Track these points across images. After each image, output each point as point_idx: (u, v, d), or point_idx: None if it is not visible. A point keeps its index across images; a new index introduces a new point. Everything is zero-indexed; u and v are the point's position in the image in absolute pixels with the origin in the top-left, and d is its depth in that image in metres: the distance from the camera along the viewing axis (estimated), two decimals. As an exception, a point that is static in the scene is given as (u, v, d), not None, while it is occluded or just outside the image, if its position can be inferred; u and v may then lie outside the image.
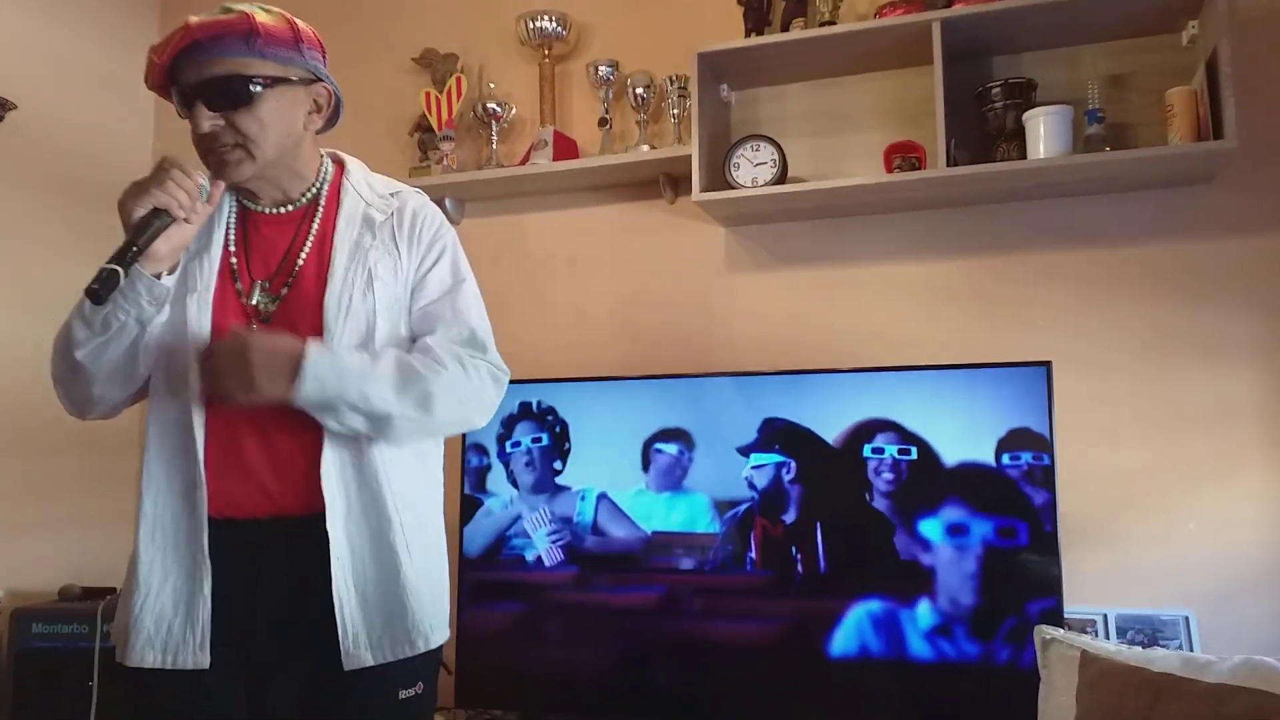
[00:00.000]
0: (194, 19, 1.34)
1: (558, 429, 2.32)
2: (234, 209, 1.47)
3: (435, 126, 2.71)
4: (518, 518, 2.33)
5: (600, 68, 2.59)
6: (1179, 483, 2.15)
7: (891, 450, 2.08)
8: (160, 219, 1.29)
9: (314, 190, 1.49)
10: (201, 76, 1.33)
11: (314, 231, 1.45)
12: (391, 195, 1.53)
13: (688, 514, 2.20)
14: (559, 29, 2.65)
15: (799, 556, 2.11)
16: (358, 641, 1.36)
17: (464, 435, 2.39)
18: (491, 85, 2.74)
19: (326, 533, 1.36)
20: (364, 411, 1.34)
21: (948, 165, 2.14)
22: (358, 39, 2.94)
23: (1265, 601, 2.06)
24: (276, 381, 1.29)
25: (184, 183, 1.30)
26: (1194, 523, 2.13)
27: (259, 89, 1.35)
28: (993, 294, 2.32)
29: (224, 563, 1.36)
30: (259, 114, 1.35)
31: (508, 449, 2.35)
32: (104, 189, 2.94)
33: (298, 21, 1.43)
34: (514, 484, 2.34)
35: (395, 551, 1.40)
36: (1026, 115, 2.16)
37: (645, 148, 2.52)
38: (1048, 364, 2.02)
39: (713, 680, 2.15)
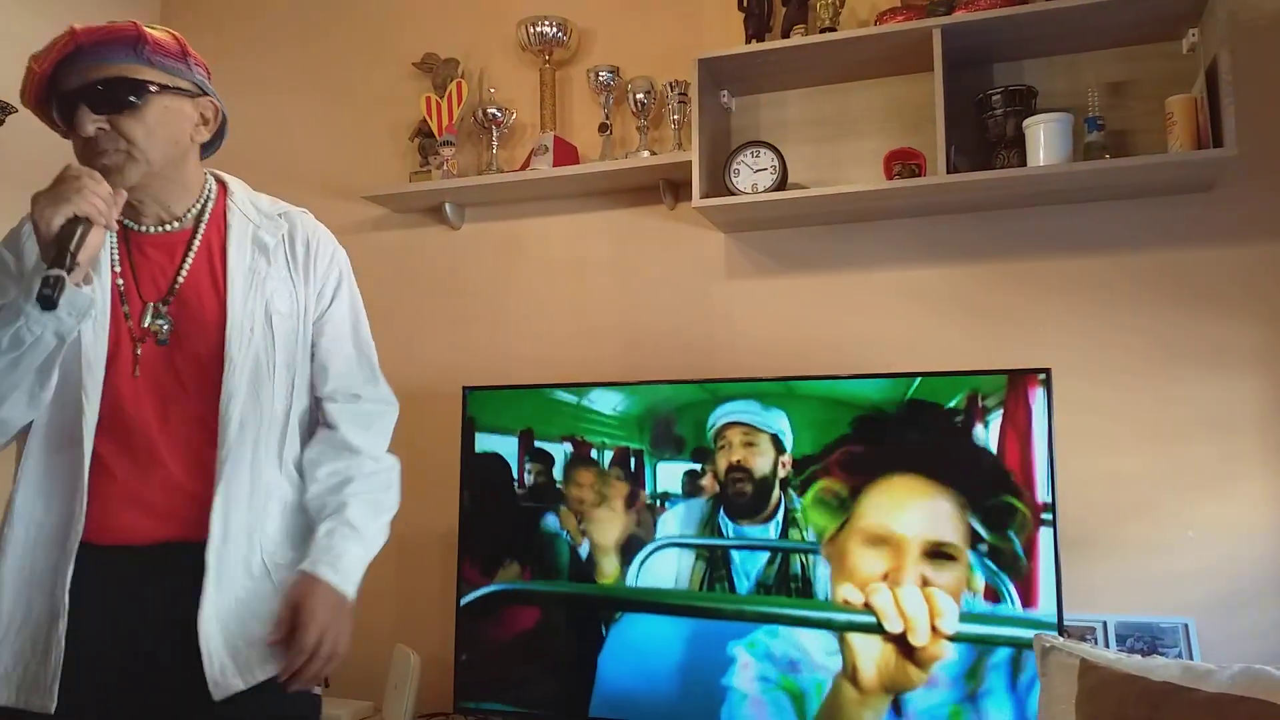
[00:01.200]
0: (78, 25, 1.32)
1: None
2: (114, 230, 1.42)
3: (436, 131, 2.71)
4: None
5: (601, 73, 2.59)
6: (1179, 490, 2.15)
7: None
8: (82, 225, 1.23)
9: (198, 207, 1.46)
10: (85, 80, 1.31)
11: (194, 249, 1.42)
12: (279, 216, 1.51)
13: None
14: (560, 34, 2.65)
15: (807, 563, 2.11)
16: (225, 669, 1.32)
17: (471, 450, 2.39)
18: (492, 90, 2.74)
19: (198, 560, 1.33)
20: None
21: (948, 172, 2.15)
22: (359, 43, 2.94)
23: (1266, 610, 2.06)
24: (345, 616, 1.38)
25: (99, 188, 1.26)
26: (1194, 530, 2.13)
27: (146, 93, 1.33)
28: (993, 301, 2.32)
29: (90, 593, 1.32)
30: (145, 118, 1.33)
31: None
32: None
33: (182, 37, 1.42)
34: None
35: (265, 578, 1.39)
36: (1027, 122, 2.16)
37: (645, 153, 2.53)
38: (1047, 371, 2.02)
39: (715, 684, 2.15)
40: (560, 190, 2.64)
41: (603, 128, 2.60)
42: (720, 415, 2.22)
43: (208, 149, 1.48)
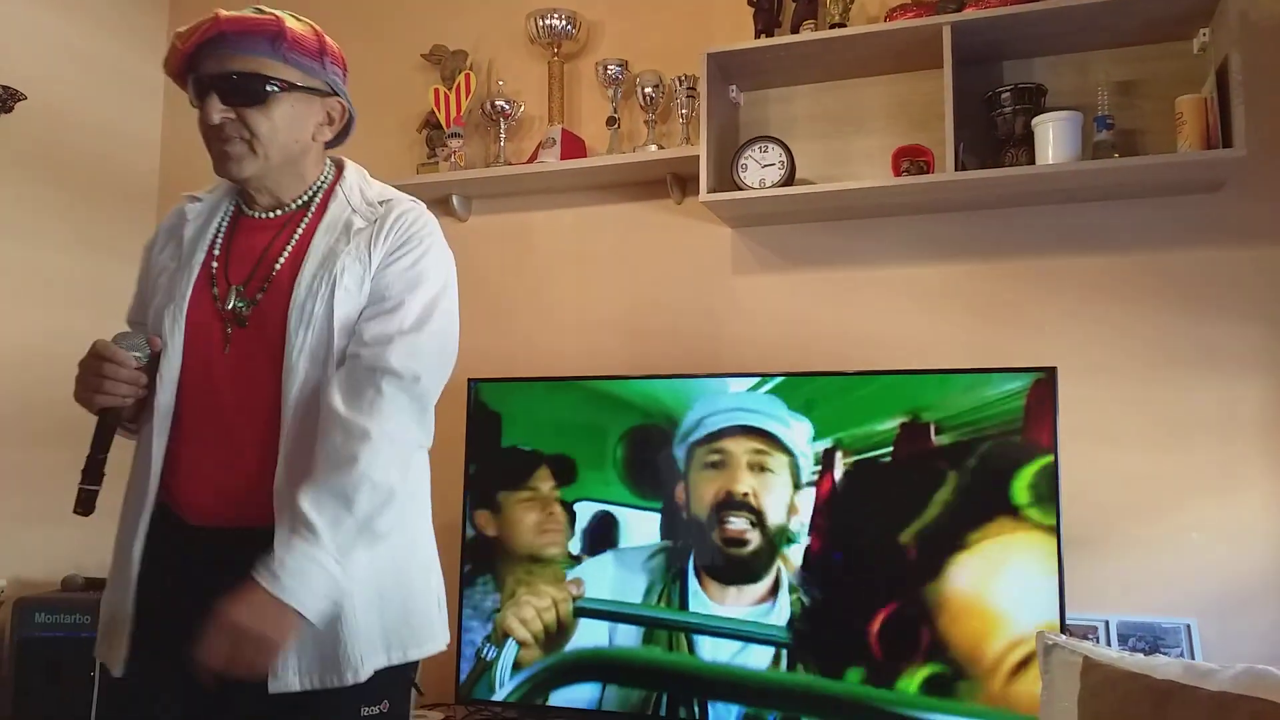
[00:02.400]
0: (224, 13, 1.34)
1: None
2: (229, 213, 1.48)
3: (443, 123, 2.71)
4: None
5: (609, 67, 2.59)
6: (1182, 490, 2.15)
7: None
8: (111, 415, 1.36)
9: (307, 196, 1.47)
10: (221, 69, 1.33)
11: (296, 236, 1.42)
12: (380, 204, 1.46)
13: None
14: (568, 27, 2.65)
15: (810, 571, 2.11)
16: (286, 664, 1.28)
17: (476, 442, 2.39)
18: (500, 83, 2.74)
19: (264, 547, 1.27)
20: (360, 550, 1.29)
21: (956, 169, 2.15)
22: (367, 35, 2.94)
23: (1267, 611, 2.06)
24: (283, 628, 1.21)
25: (120, 374, 1.33)
26: (1197, 531, 2.13)
27: (275, 90, 1.35)
28: (999, 299, 2.32)
29: (161, 568, 1.36)
30: (271, 115, 1.36)
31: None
32: (112, 180, 2.96)
33: (325, 35, 1.44)
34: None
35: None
36: (1036, 120, 2.15)
37: (653, 147, 2.52)
38: (1053, 369, 2.02)
39: (717, 679, 2.16)
40: (567, 183, 2.64)
41: (610, 121, 2.60)
42: (717, 413, 2.21)
43: (331, 144, 1.50)
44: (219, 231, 1.46)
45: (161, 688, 1.34)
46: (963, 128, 2.15)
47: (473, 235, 2.79)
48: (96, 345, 1.34)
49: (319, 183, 1.48)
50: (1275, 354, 2.13)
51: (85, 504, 1.34)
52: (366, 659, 1.32)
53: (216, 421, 1.37)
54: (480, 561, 2.36)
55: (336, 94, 1.45)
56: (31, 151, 2.69)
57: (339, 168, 1.53)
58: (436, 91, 2.72)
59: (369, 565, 1.32)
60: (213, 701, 1.30)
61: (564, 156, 2.56)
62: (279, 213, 1.46)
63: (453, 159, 2.67)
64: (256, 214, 1.46)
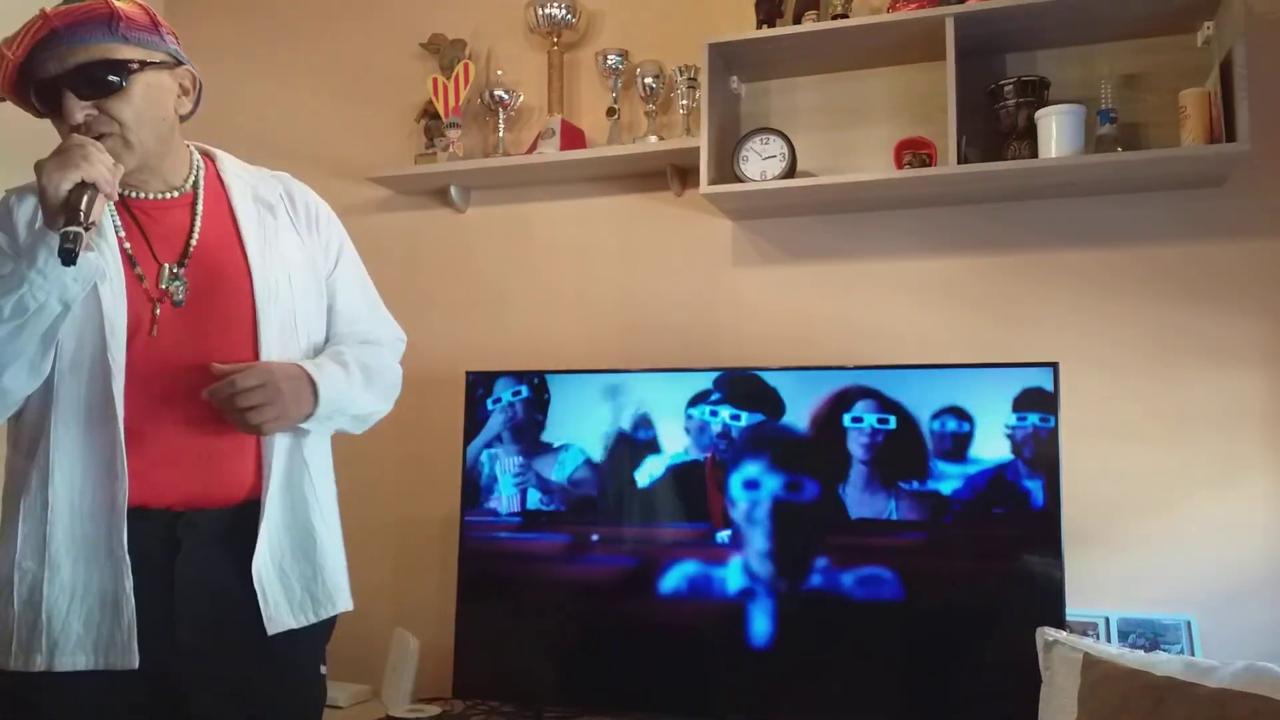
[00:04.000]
0: (48, 9, 1.29)
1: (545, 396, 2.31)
2: (114, 199, 1.41)
3: (442, 113, 2.69)
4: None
5: (609, 57, 2.57)
6: (1183, 486, 2.14)
7: (871, 419, 2.07)
8: (89, 190, 1.22)
9: (194, 174, 1.47)
10: (66, 65, 1.29)
11: (199, 213, 1.44)
12: (271, 177, 1.56)
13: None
14: (568, 16, 2.63)
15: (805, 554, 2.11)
16: (279, 607, 1.41)
17: (473, 435, 2.38)
18: (499, 72, 2.72)
19: (252, 519, 1.39)
20: (352, 415, 1.51)
21: (958, 162, 2.13)
22: (365, 24, 2.92)
23: (1268, 607, 2.06)
24: (302, 407, 1.40)
25: (104, 156, 1.26)
26: (1198, 526, 2.12)
27: (129, 73, 1.32)
28: (1001, 293, 2.31)
29: (144, 555, 1.34)
30: (132, 99, 1.33)
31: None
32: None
33: (148, 5, 1.40)
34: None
35: (313, 527, 1.47)
36: (1039, 114, 2.14)
37: (653, 138, 2.51)
38: (1054, 364, 2.01)
39: (707, 669, 2.15)
40: (567, 174, 2.63)
41: (610, 112, 2.58)
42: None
43: (188, 115, 1.47)
44: (113, 213, 1.40)
45: (158, 676, 1.34)
46: (965, 120, 2.14)
47: (471, 226, 2.77)
48: (74, 136, 1.26)
49: (194, 163, 1.49)
50: (1277, 349, 2.12)
51: (77, 241, 1.17)
52: (341, 592, 1.52)
53: (159, 400, 1.35)
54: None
55: (183, 62, 1.42)
56: (11, 150, 2.66)
57: (202, 152, 1.53)
58: (435, 81, 2.70)
59: (330, 518, 1.52)
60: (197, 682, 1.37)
61: (563, 147, 2.54)
62: (178, 193, 1.45)
63: (451, 149, 2.65)
64: (151, 195, 1.43)
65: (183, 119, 1.46)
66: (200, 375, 1.37)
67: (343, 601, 1.53)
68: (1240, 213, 2.16)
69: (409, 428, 2.54)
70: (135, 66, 1.33)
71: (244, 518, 1.41)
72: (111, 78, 1.30)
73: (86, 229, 1.20)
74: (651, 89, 2.52)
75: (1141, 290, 2.21)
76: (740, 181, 2.32)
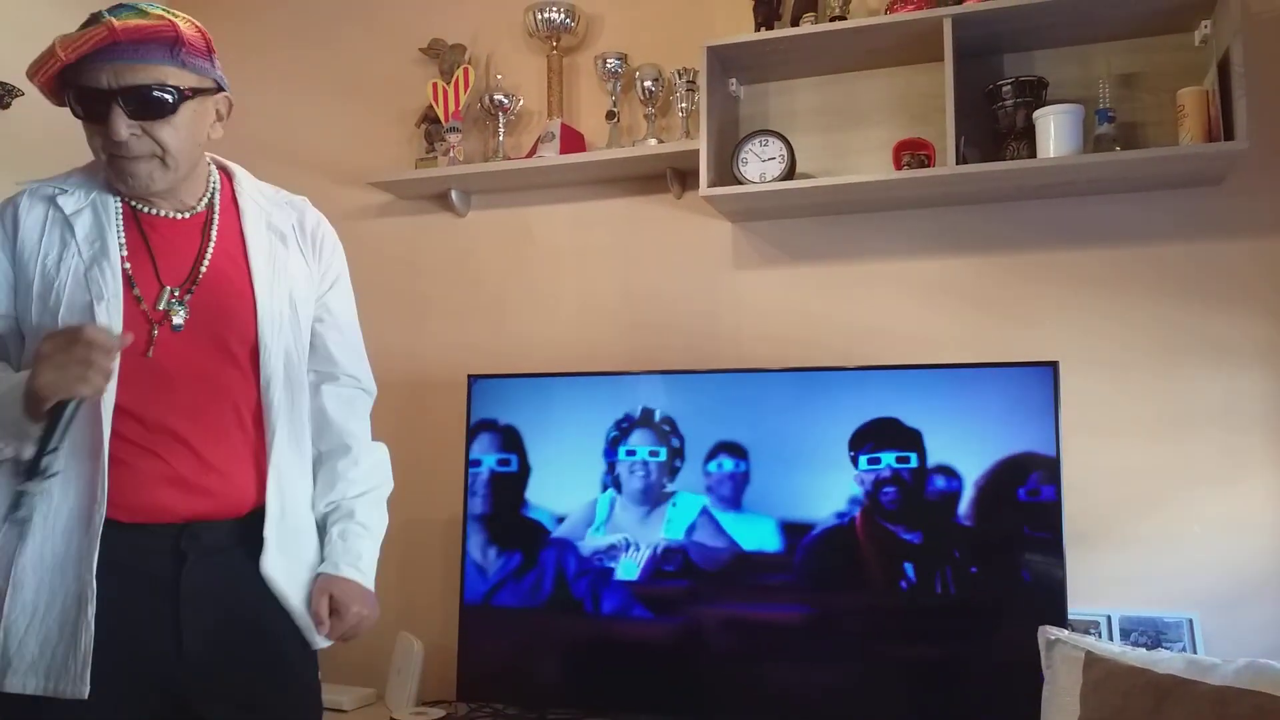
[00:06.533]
0: (116, 21, 1.28)
1: (675, 443, 2.25)
2: (119, 210, 1.41)
3: (442, 118, 2.69)
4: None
5: (608, 60, 2.58)
6: (1184, 485, 2.14)
7: (889, 459, 2.07)
8: (75, 405, 1.24)
9: (209, 194, 1.47)
10: (124, 82, 1.28)
11: (214, 238, 1.44)
12: (286, 203, 1.55)
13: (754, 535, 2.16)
14: (567, 21, 2.64)
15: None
16: (308, 628, 1.45)
17: (475, 438, 2.39)
18: (499, 77, 2.73)
19: (256, 529, 1.41)
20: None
21: (957, 163, 2.13)
22: (365, 28, 2.93)
23: (1270, 605, 2.06)
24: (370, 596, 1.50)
25: (106, 367, 1.24)
26: (1199, 525, 2.12)
27: (182, 100, 1.32)
28: (1000, 293, 2.31)
29: (149, 569, 1.34)
30: (177, 124, 1.33)
31: (622, 455, 2.28)
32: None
33: (206, 31, 1.40)
34: (618, 488, 2.27)
35: (308, 542, 1.50)
36: (1037, 114, 2.14)
37: (653, 141, 2.51)
38: (1054, 364, 2.02)
39: (713, 676, 2.16)
40: (567, 178, 2.63)
41: (610, 115, 2.59)
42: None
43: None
44: (119, 229, 1.39)
45: (130, 709, 1.33)
46: (964, 121, 2.14)
47: (471, 230, 2.78)
48: (87, 330, 1.23)
49: (212, 183, 1.49)
50: (1277, 347, 2.12)
51: (29, 507, 1.25)
52: None
53: (153, 420, 1.35)
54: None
55: (223, 89, 1.43)
56: (28, 147, 2.67)
57: (220, 168, 1.53)
58: (435, 86, 2.71)
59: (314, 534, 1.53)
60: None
61: (563, 151, 2.54)
62: (190, 214, 1.44)
63: (451, 153, 2.66)
64: (163, 213, 1.43)
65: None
66: (202, 394, 1.38)
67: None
68: (1239, 211, 2.16)
69: (411, 432, 2.55)
70: (188, 94, 1.33)
71: (249, 528, 1.41)
72: (164, 102, 1.30)
73: (55, 452, 1.24)
74: (650, 92, 2.53)
75: (1141, 289, 2.21)
76: (740, 184, 2.33)
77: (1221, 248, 2.17)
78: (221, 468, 1.39)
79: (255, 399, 1.42)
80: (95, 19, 1.30)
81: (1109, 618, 2.09)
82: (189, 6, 3.07)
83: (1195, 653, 2.00)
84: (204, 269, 1.41)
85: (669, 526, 2.20)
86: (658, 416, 2.25)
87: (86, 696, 1.27)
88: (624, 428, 2.27)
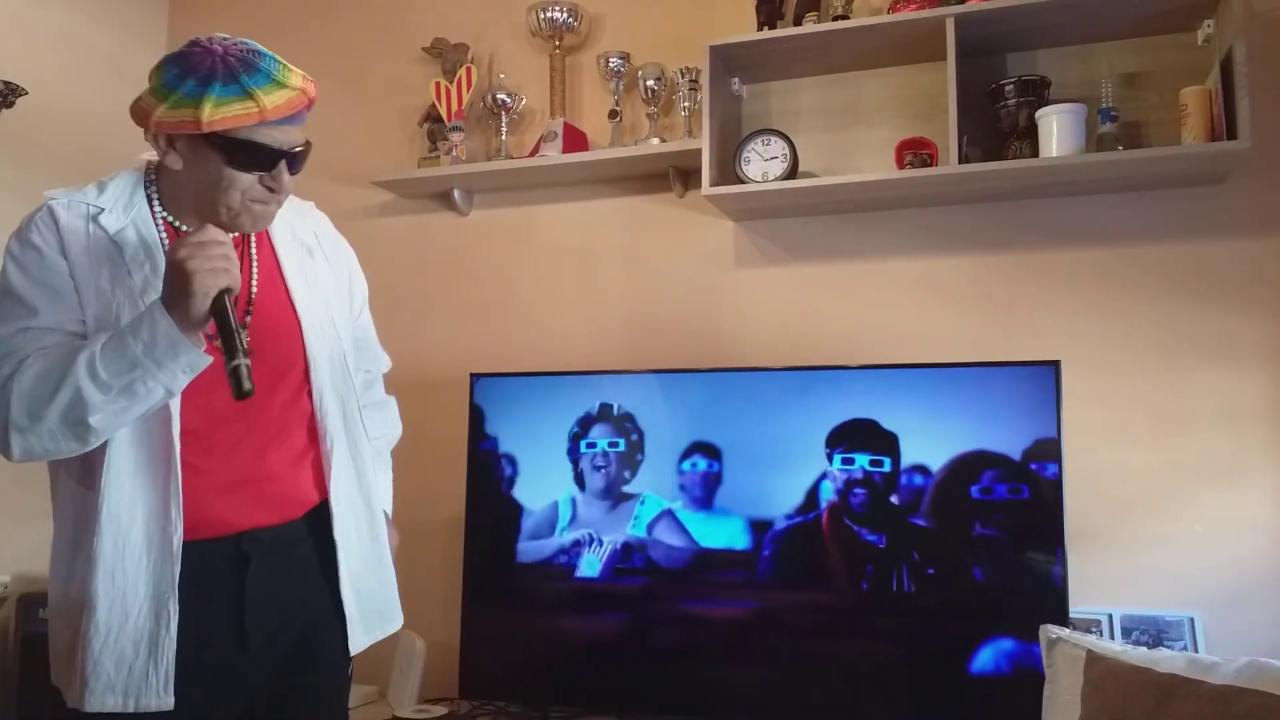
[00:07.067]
0: (311, 86, 1.36)
1: (635, 436, 2.27)
2: (161, 226, 1.40)
3: (445, 117, 2.70)
4: (575, 532, 2.28)
5: (611, 59, 2.58)
6: (1186, 484, 2.14)
7: (893, 457, 2.08)
8: (229, 297, 1.27)
9: None
10: (294, 141, 1.36)
11: (255, 255, 1.47)
12: (299, 211, 1.58)
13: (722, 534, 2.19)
14: (570, 20, 2.64)
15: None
16: (356, 628, 1.49)
17: (478, 437, 2.39)
18: (502, 76, 2.73)
19: (322, 534, 1.46)
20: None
21: (959, 162, 2.14)
22: (368, 27, 2.93)
23: (1271, 604, 2.06)
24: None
25: (236, 259, 1.30)
26: (1200, 524, 2.12)
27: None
28: (1002, 292, 2.31)
29: (213, 579, 1.37)
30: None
31: (582, 448, 2.30)
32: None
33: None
34: (580, 485, 2.29)
35: (379, 542, 1.57)
36: (1039, 113, 2.15)
37: (655, 140, 2.52)
38: (1056, 363, 2.02)
39: (712, 671, 2.16)
40: (569, 177, 2.64)
41: (612, 114, 2.59)
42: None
43: None
44: (165, 248, 1.39)
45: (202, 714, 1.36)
46: (966, 120, 2.14)
47: (474, 229, 2.78)
48: (210, 229, 1.28)
49: None
50: (1278, 346, 2.12)
51: (251, 376, 1.23)
52: (399, 612, 1.61)
53: (220, 441, 1.39)
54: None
55: None
56: (33, 146, 2.68)
57: None
58: (438, 85, 2.71)
59: (384, 536, 1.61)
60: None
61: (566, 150, 2.55)
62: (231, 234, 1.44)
63: (454, 153, 2.67)
64: None
65: None
66: (263, 412, 1.41)
67: (398, 617, 1.62)
68: (1241, 210, 2.16)
69: (414, 430, 2.52)
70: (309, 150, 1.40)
71: (313, 525, 1.47)
72: (304, 161, 1.40)
73: (248, 351, 1.25)
74: (653, 91, 2.53)
75: (1143, 288, 2.21)
76: (742, 183, 2.33)
77: (1223, 247, 2.17)
78: (280, 480, 1.43)
79: (310, 412, 1.47)
80: (276, 79, 1.32)
81: (1110, 616, 2.10)
82: (189, 5, 3.10)
83: (1196, 651, 2.01)
84: (254, 292, 1.44)
85: (676, 526, 2.21)
86: (659, 415, 2.25)
87: (172, 708, 1.31)
88: (628, 430, 2.27)
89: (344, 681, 1.55)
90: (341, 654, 1.49)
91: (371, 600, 1.53)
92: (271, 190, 1.37)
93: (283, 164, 1.36)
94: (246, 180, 1.34)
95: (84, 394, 1.24)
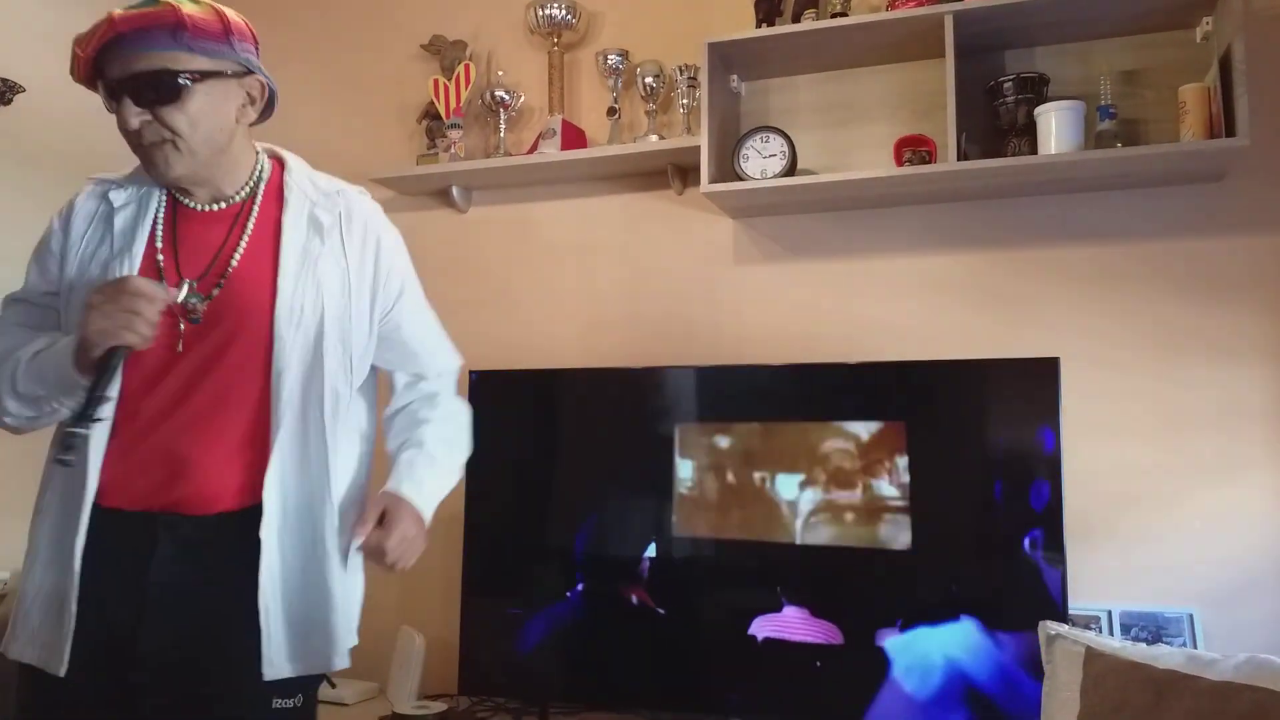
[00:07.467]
0: (118, 12, 1.30)
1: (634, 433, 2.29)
2: (163, 203, 1.43)
3: (443, 114, 2.70)
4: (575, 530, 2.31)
5: (609, 57, 2.58)
6: (1185, 480, 2.15)
7: (890, 454, 2.08)
8: (122, 354, 1.26)
9: (249, 187, 1.46)
10: (127, 71, 1.30)
11: (249, 230, 1.42)
12: (336, 194, 1.51)
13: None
14: (568, 17, 2.64)
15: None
16: (280, 651, 1.35)
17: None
18: (500, 73, 2.73)
19: (249, 534, 1.34)
20: (450, 487, 1.56)
21: (958, 159, 2.14)
22: (366, 25, 2.93)
23: (1269, 600, 2.06)
24: (423, 527, 1.46)
25: (151, 315, 1.25)
26: (1199, 520, 2.13)
27: (187, 84, 1.31)
28: (1001, 289, 2.31)
29: (118, 556, 1.33)
30: (188, 110, 1.32)
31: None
32: (111, 172, 2.94)
33: (227, 12, 1.38)
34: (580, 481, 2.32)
35: (327, 561, 1.40)
36: (1038, 110, 2.15)
37: (654, 138, 2.52)
38: (1055, 360, 2.02)
39: (711, 668, 2.16)
40: (568, 174, 2.64)
41: (611, 111, 2.59)
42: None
43: (255, 123, 1.47)
44: (157, 221, 1.42)
45: (103, 692, 1.32)
46: (965, 117, 2.14)
47: (473, 227, 2.78)
48: (132, 281, 1.26)
49: (258, 170, 1.47)
50: (1277, 343, 2.13)
51: (79, 451, 1.26)
52: (347, 643, 1.43)
53: (166, 412, 1.35)
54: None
55: (252, 72, 1.40)
56: (30, 143, 2.67)
57: (276, 159, 1.52)
58: (436, 82, 2.71)
59: (351, 553, 1.44)
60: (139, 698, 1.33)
61: (564, 147, 2.55)
62: (224, 204, 1.44)
63: (452, 150, 2.66)
64: (198, 205, 1.43)
65: (251, 125, 1.46)
66: (202, 386, 1.36)
67: (346, 653, 1.43)
68: (1240, 207, 2.16)
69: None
70: (196, 77, 1.32)
71: (235, 530, 1.35)
72: (167, 88, 1.30)
73: (92, 422, 1.25)
74: (652, 88, 2.53)
75: (1142, 285, 2.22)
76: (741, 180, 2.33)
77: (1222, 244, 2.17)
78: (200, 466, 1.34)
79: (260, 396, 1.38)
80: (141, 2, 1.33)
81: (1109, 613, 2.10)
82: (190, 2, 3.07)
83: (1195, 648, 2.01)
84: (233, 264, 1.39)
85: (672, 524, 2.21)
86: (660, 413, 2.25)
87: (61, 674, 1.30)
88: (625, 422, 2.27)
89: (258, 704, 1.36)
90: (254, 675, 1.34)
91: (302, 623, 1.37)
92: (132, 130, 1.31)
93: (125, 99, 1.29)
94: (121, 119, 1.31)
95: (2, 396, 1.35)
